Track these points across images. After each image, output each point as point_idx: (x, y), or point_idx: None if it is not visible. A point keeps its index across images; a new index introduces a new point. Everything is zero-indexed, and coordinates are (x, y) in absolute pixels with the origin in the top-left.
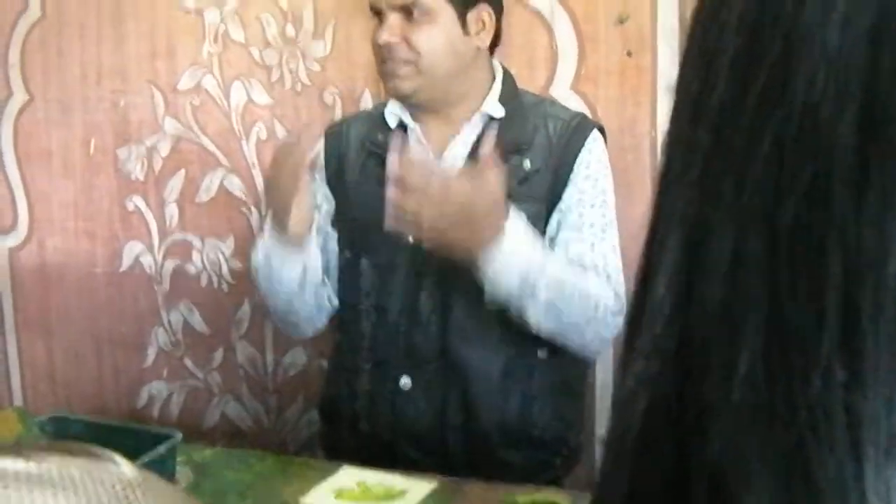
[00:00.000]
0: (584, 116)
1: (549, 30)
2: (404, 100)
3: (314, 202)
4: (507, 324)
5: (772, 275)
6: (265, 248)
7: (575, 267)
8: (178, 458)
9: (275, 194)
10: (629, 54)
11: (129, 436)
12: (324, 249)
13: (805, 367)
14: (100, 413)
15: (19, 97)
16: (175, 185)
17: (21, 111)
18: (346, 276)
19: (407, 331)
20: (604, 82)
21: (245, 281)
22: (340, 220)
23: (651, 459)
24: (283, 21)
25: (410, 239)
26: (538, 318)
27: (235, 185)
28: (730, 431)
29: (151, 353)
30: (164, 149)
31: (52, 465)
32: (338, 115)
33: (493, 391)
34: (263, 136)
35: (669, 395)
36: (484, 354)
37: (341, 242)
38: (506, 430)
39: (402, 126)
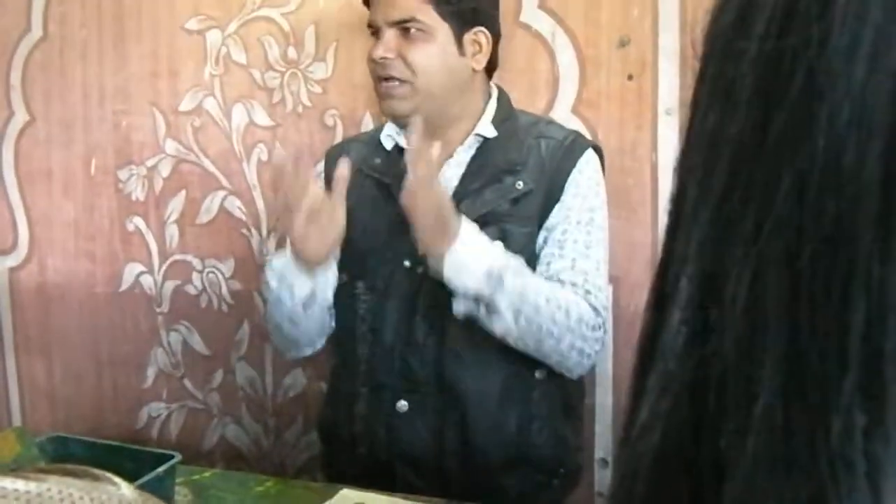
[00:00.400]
0: (578, 135)
1: (551, 53)
2: (400, 120)
3: (338, 228)
4: (503, 345)
5: (792, 316)
6: (281, 262)
7: (549, 282)
8: (177, 480)
9: (287, 218)
10: (630, 78)
11: (128, 456)
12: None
13: (825, 411)
14: (99, 433)
15: (20, 117)
16: (176, 206)
17: (22, 132)
18: (343, 300)
19: (403, 354)
20: (605, 106)
21: (245, 302)
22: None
23: (664, 498)
24: (284, 43)
25: (406, 262)
26: (507, 323)
27: (236, 207)
28: (747, 476)
29: (151, 374)
30: (165, 170)
31: (53, 485)
32: (338, 137)
33: (490, 413)
34: (264, 157)
35: (683, 432)
36: (480, 376)
37: (339, 266)
38: (504, 452)
39: (399, 149)
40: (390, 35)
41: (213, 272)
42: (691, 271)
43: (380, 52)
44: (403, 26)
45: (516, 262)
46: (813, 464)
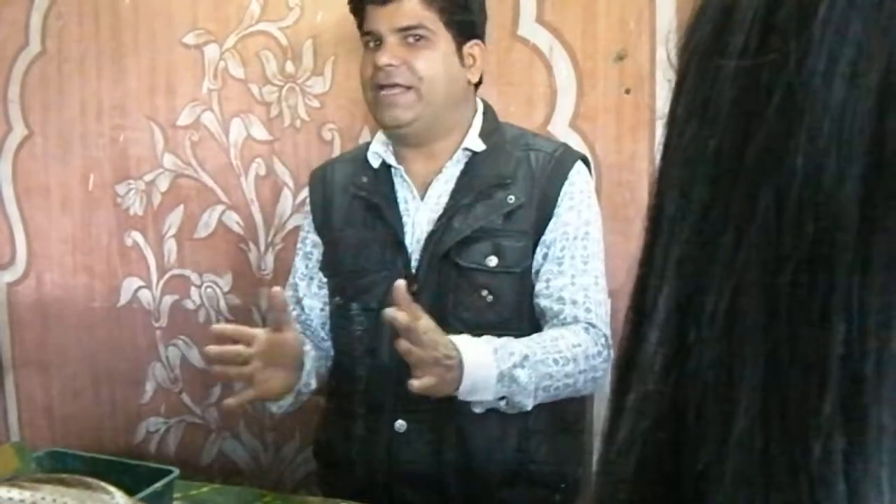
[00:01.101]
0: (567, 147)
1: (548, 67)
2: (401, 130)
3: (296, 353)
4: None
5: (771, 337)
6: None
7: (547, 335)
8: (176, 495)
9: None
10: (627, 91)
11: (126, 471)
12: (317, 296)
13: (805, 434)
14: (97, 448)
15: (18, 132)
16: (174, 220)
17: (20, 146)
18: (338, 322)
19: (399, 374)
20: (602, 119)
21: (243, 317)
22: (329, 265)
23: None
24: (282, 58)
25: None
26: (529, 405)
27: (234, 222)
28: (726, 498)
29: (149, 389)
30: (163, 184)
31: (47, 494)
32: (336, 151)
33: (489, 429)
34: (262, 172)
35: (662, 453)
36: None
37: (331, 288)
38: (504, 468)
39: (386, 166)
40: (393, 42)
41: (211, 287)
42: (668, 290)
43: (385, 59)
44: (409, 34)
45: (518, 350)
46: (793, 486)
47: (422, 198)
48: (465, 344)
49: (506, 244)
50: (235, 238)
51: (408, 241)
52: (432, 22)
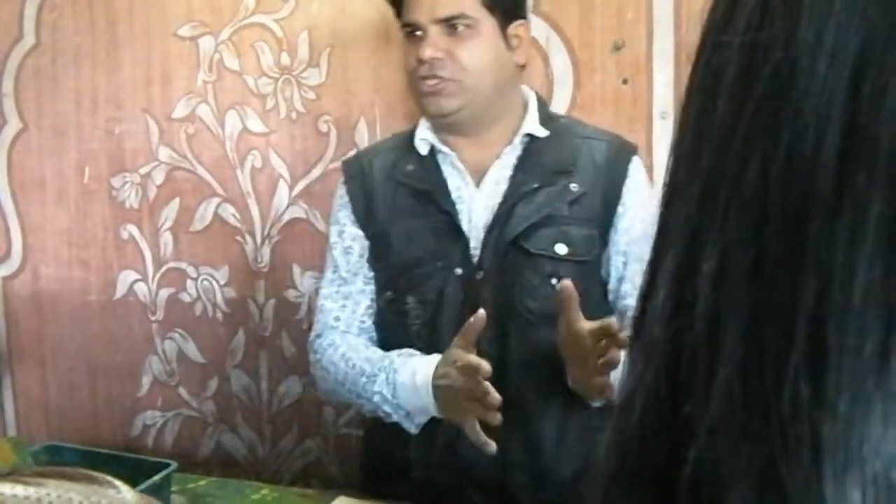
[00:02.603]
0: (622, 139)
1: (545, 57)
2: (446, 119)
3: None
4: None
5: (753, 292)
6: (407, 389)
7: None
8: (173, 488)
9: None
10: (625, 82)
11: (123, 465)
12: (363, 292)
13: (777, 383)
14: (94, 442)
15: (13, 125)
16: (169, 213)
17: (15, 140)
18: (391, 317)
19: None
20: (599, 109)
21: (239, 310)
22: (379, 258)
23: (645, 463)
24: (277, 49)
25: (459, 270)
26: None
27: (230, 214)
28: (708, 443)
29: (146, 382)
30: (159, 177)
31: (52, 490)
32: (332, 143)
33: (554, 425)
34: (258, 164)
35: (662, 400)
36: (543, 387)
37: (381, 283)
38: (571, 465)
39: (433, 153)
40: (436, 33)
41: (207, 280)
42: (675, 248)
43: (429, 53)
44: (450, 23)
45: None
46: (765, 432)
47: (476, 184)
48: None
49: (573, 232)
50: (231, 231)
51: (464, 228)
52: (474, 9)
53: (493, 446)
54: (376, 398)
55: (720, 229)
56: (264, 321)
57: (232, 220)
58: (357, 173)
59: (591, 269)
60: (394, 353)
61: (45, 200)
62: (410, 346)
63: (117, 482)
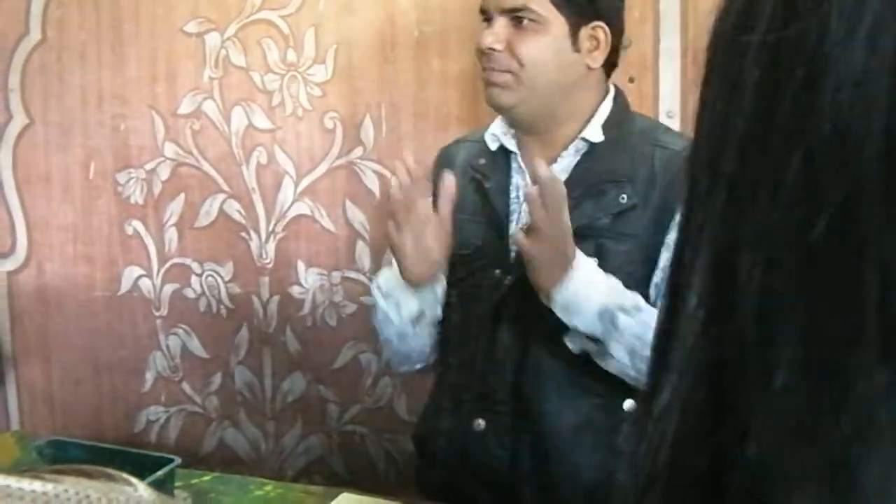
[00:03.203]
0: None
1: None
2: (503, 113)
3: (445, 246)
4: (591, 371)
5: (808, 288)
6: (387, 279)
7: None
8: (177, 484)
9: (392, 236)
10: (631, 80)
11: (127, 460)
12: None
13: (846, 374)
14: (97, 437)
15: (19, 121)
16: (174, 209)
17: (21, 135)
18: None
19: (483, 369)
20: None
21: (244, 306)
22: None
23: (685, 474)
24: (284, 46)
25: (497, 272)
26: (622, 364)
27: (235, 210)
28: (770, 442)
29: (149, 378)
30: (164, 173)
31: (70, 486)
32: (338, 139)
33: (570, 442)
34: (264, 160)
35: (703, 408)
36: (562, 402)
37: None
38: (583, 486)
39: (503, 150)
40: (501, 23)
41: (212, 276)
42: (705, 256)
43: (488, 42)
44: (516, 15)
45: (632, 299)
46: (836, 427)
47: (533, 185)
48: (585, 259)
49: (610, 246)
50: (236, 227)
51: (511, 229)
52: (542, 5)
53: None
54: (376, 293)
55: (760, 229)
56: (268, 317)
57: (237, 217)
58: (442, 160)
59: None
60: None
61: (51, 196)
62: (450, 339)
63: (134, 480)
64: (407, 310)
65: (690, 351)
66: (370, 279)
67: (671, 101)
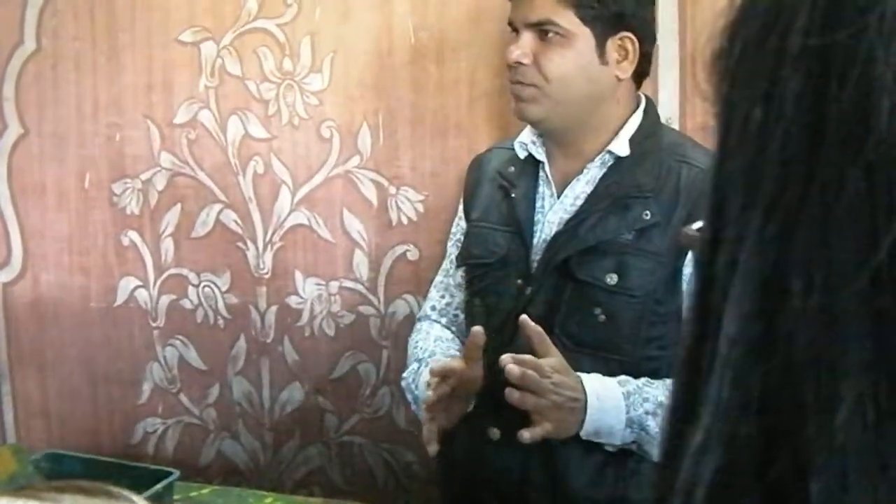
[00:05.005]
0: None
1: None
2: (531, 125)
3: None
4: None
5: (873, 314)
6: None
7: None
8: (175, 496)
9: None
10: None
11: (125, 473)
12: (461, 286)
13: None
14: (94, 450)
15: (14, 131)
16: (171, 219)
17: (15, 145)
18: (466, 317)
19: (498, 379)
20: None
21: (241, 316)
22: (462, 254)
23: None
24: (280, 55)
25: (519, 281)
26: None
27: (232, 220)
28: (835, 481)
29: (146, 389)
30: (160, 183)
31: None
32: (335, 149)
33: (583, 458)
34: (260, 170)
35: (751, 444)
36: None
37: (465, 280)
38: (594, 496)
39: (532, 159)
40: (527, 37)
41: (208, 286)
42: (744, 281)
43: (514, 56)
44: (542, 28)
45: (653, 396)
46: None
47: (559, 196)
48: (594, 384)
49: (631, 263)
50: (233, 237)
51: (535, 239)
52: (567, 19)
53: (434, 448)
54: (403, 383)
55: (814, 255)
56: (266, 328)
57: (234, 227)
58: (475, 166)
59: (644, 305)
60: (441, 348)
61: (46, 206)
62: None
63: (134, 496)
64: None
65: (730, 387)
66: (368, 289)
67: (670, 109)
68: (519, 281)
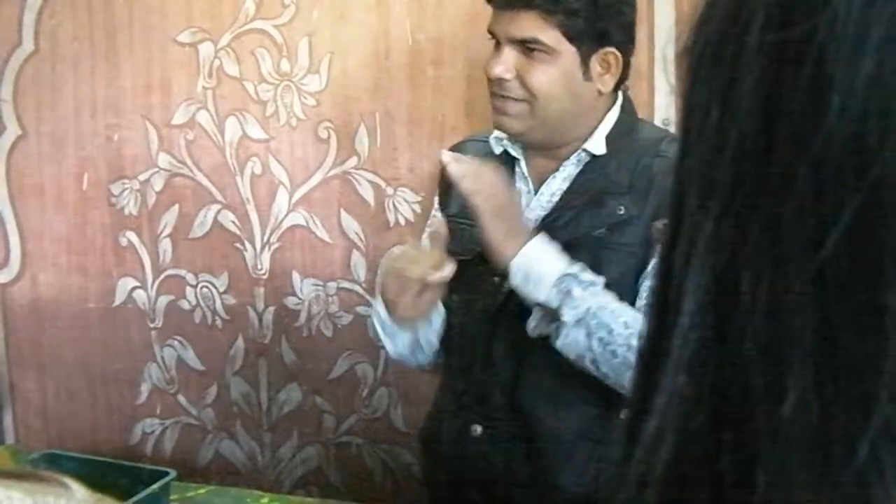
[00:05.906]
0: None
1: None
2: (513, 138)
3: (437, 293)
4: (587, 380)
5: (820, 308)
6: (381, 313)
7: (625, 304)
8: (172, 496)
9: (389, 287)
10: (626, 88)
11: (122, 473)
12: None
13: (864, 398)
14: (93, 450)
15: (12, 132)
16: (169, 220)
17: (14, 146)
18: (445, 312)
19: (480, 375)
20: None
21: (239, 317)
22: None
23: (683, 501)
24: (277, 56)
25: (496, 278)
26: (577, 344)
27: (229, 221)
28: (780, 472)
29: (145, 390)
30: (158, 184)
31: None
32: (333, 149)
33: (565, 451)
34: (258, 171)
35: (701, 438)
36: (557, 411)
37: None
38: (577, 495)
39: (508, 155)
40: (510, 52)
41: (206, 287)
42: (697, 278)
43: (496, 72)
44: (526, 45)
45: (592, 279)
46: (852, 451)
47: (535, 193)
48: (539, 236)
49: (606, 257)
50: (231, 238)
51: None
52: (551, 37)
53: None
54: (375, 319)
55: (764, 246)
56: (264, 328)
57: (231, 227)
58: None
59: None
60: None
61: (44, 207)
62: (452, 342)
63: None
64: (402, 342)
65: (682, 379)
66: (366, 289)
67: (666, 110)
68: (495, 278)
